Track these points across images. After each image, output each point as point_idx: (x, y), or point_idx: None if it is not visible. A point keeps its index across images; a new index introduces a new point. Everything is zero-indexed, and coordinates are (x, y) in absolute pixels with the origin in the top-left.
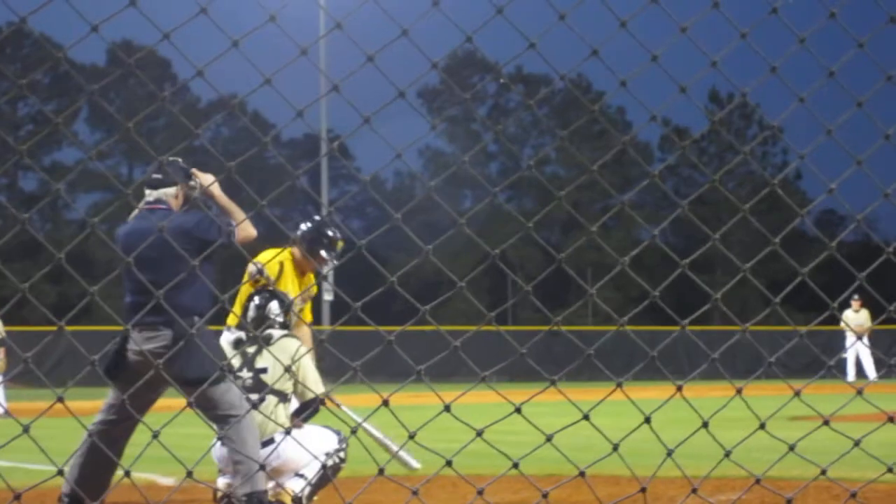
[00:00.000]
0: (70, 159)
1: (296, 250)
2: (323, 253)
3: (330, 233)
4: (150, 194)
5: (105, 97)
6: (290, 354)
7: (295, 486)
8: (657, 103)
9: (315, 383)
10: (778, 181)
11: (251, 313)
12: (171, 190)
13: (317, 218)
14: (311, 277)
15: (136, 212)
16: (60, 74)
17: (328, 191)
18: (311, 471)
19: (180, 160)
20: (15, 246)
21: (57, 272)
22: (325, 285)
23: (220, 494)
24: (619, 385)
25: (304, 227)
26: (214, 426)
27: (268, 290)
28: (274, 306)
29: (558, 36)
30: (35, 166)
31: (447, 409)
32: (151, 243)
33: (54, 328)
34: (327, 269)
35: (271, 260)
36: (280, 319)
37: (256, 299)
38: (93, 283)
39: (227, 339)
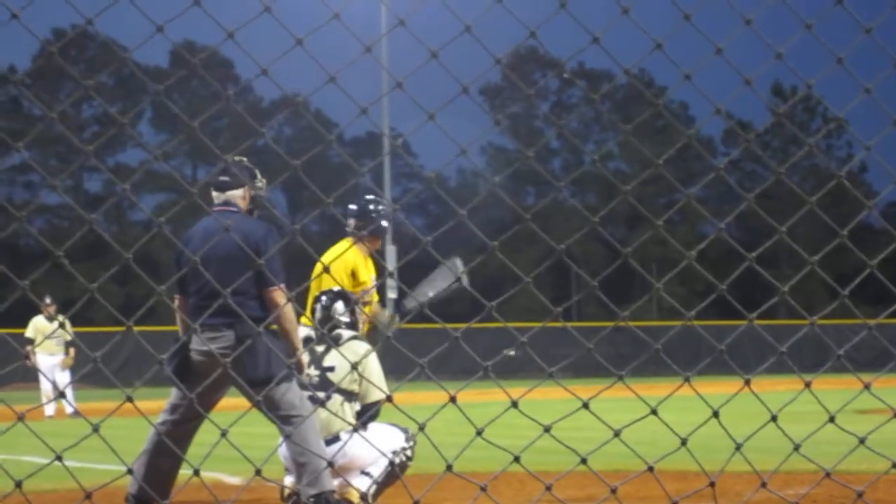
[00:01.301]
0: (134, 160)
1: (353, 237)
2: (378, 227)
3: (379, 207)
4: (218, 197)
5: (168, 98)
6: (359, 356)
7: (361, 484)
8: (720, 97)
9: (380, 385)
10: (844, 173)
11: (318, 314)
12: (239, 192)
13: (367, 198)
14: (371, 267)
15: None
16: (125, 76)
17: (390, 189)
18: (378, 469)
19: (245, 160)
20: (81, 247)
21: (122, 273)
22: (390, 283)
23: (287, 493)
24: (687, 379)
25: (352, 206)
26: (279, 426)
27: (333, 291)
28: (339, 306)
29: (620, 31)
30: (102, 167)
31: (514, 405)
32: (220, 246)
33: (121, 328)
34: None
35: (338, 256)
36: (346, 319)
37: (323, 299)
38: (158, 284)
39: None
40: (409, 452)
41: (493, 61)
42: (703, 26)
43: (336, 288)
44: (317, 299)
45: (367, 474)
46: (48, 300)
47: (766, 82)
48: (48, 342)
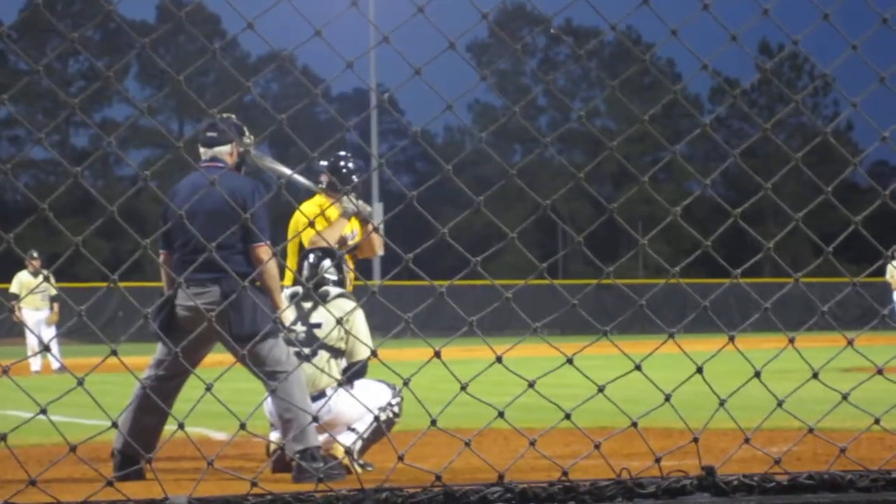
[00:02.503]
0: (120, 116)
1: (324, 192)
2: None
3: (349, 165)
4: (206, 153)
5: (155, 53)
6: (345, 313)
7: (346, 439)
8: (707, 54)
9: (366, 342)
10: (830, 130)
11: (305, 272)
12: (226, 148)
13: (339, 154)
14: (354, 222)
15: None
16: (110, 31)
17: (377, 145)
18: (364, 425)
19: (233, 117)
20: (67, 203)
21: (109, 229)
22: (375, 238)
23: (272, 448)
24: (672, 336)
25: (322, 162)
26: (264, 381)
27: (320, 248)
28: (327, 264)
29: None
30: (88, 121)
31: (499, 360)
32: (207, 201)
33: (107, 284)
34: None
35: (325, 209)
36: (333, 277)
37: (311, 257)
38: (144, 239)
39: (284, 294)
40: (395, 409)
41: (479, 16)
42: None
43: (324, 245)
44: (304, 256)
45: (353, 430)
46: (34, 254)
47: (754, 39)
48: (33, 297)
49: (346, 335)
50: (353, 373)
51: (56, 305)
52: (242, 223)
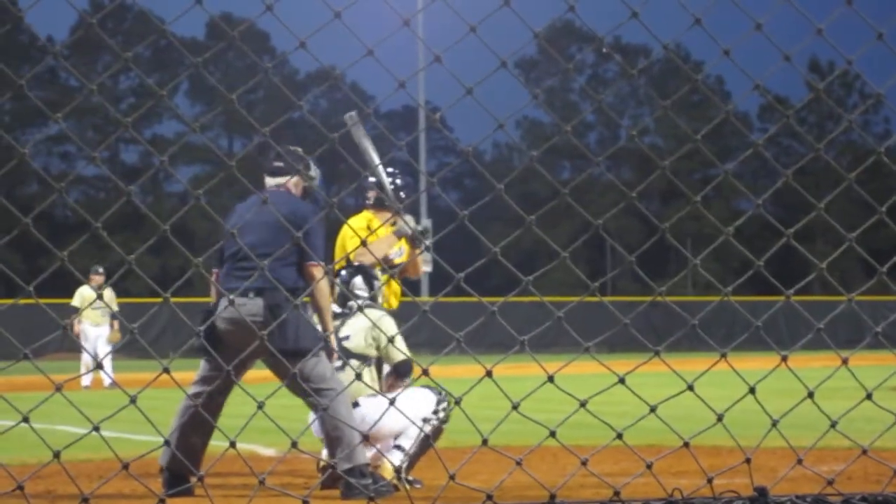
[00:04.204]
0: (170, 132)
1: (371, 208)
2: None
3: (397, 181)
4: (270, 182)
5: (205, 70)
6: (373, 320)
7: (394, 459)
8: (757, 73)
9: (399, 346)
10: (884, 149)
11: (336, 289)
12: (292, 179)
13: (388, 170)
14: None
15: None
16: (161, 48)
17: (426, 162)
18: (410, 440)
19: (300, 150)
20: (117, 219)
21: (157, 244)
22: (425, 256)
23: (322, 465)
24: (724, 356)
25: (371, 179)
26: (307, 400)
27: (352, 265)
28: (358, 281)
29: (657, 6)
30: (139, 138)
31: (550, 379)
32: (265, 214)
33: (157, 300)
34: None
35: (378, 228)
36: (365, 295)
37: (342, 274)
38: (194, 256)
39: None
40: (441, 415)
41: (530, 35)
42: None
43: (356, 263)
44: (337, 274)
45: (400, 448)
46: (99, 269)
47: (803, 57)
48: (94, 312)
49: (374, 341)
50: (400, 374)
51: (116, 323)
52: (296, 240)
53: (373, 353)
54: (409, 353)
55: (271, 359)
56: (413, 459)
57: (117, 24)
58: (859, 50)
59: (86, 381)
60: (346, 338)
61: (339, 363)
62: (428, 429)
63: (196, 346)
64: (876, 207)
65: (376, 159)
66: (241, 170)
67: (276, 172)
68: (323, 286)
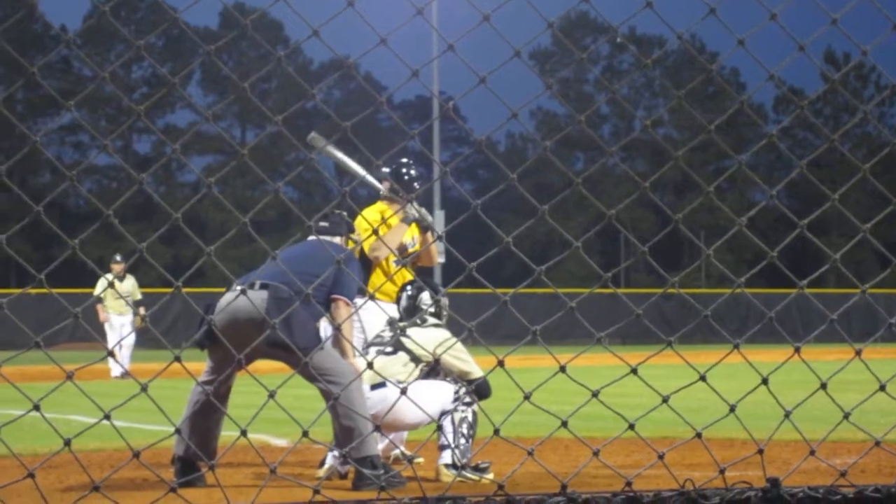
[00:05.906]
0: (182, 121)
1: (386, 197)
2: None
3: (411, 171)
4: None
5: (218, 59)
6: (438, 340)
7: (445, 459)
8: (771, 63)
9: (469, 363)
10: None
11: (403, 303)
12: (337, 239)
13: (401, 160)
14: (414, 229)
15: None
16: (173, 37)
17: (439, 152)
18: (447, 434)
19: (345, 214)
20: (129, 208)
21: (169, 234)
22: (438, 247)
23: (325, 466)
24: (737, 346)
25: (384, 169)
26: (320, 387)
27: (418, 281)
28: (426, 297)
29: None
30: (152, 127)
31: (562, 370)
32: (306, 249)
33: (169, 290)
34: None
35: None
36: (431, 310)
37: (409, 289)
38: (206, 246)
39: (388, 311)
40: (466, 398)
41: (544, 25)
42: None
43: (385, 252)
44: (402, 288)
45: (442, 447)
46: (118, 258)
47: (819, 48)
48: (118, 302)
49: (432, 355)
50: (481, 395)
51: (141, 310)
52: (334, 276)
53: (428, 358)
54: (482, 372)
55: (275, 351)
56: (464, 450)
57: (130, 14)
58: (875, 40)
59: (115, 371)
60: (409, 337)
61: (389, 349)
62: (457, 417)
63: (196, 339)
64: (891, 199)
65: (354, 164)
66: (253, 159)
67: (322, 232)
68: (345, 322)
